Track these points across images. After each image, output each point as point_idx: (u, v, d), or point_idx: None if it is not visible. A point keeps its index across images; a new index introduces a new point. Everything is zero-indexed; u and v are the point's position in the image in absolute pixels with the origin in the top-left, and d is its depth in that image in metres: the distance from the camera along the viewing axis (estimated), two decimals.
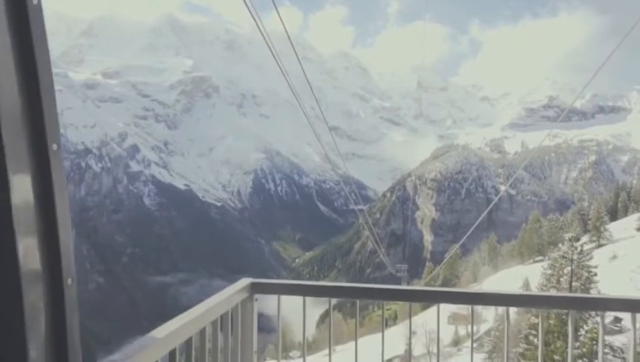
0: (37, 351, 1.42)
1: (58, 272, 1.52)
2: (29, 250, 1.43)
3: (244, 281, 2.97)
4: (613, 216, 67.44)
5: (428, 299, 3.26)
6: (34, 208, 1.46)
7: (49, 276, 1.50)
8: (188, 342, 2.22)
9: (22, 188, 1.40)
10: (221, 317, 2.58)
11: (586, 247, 26.05)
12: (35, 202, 1.46)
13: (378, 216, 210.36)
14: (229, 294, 2.74)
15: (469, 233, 15.67)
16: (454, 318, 41.02)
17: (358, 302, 3.21)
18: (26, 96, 1.41)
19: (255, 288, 3.00)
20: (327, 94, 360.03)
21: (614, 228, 58.23)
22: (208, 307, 2.45)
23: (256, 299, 3.02)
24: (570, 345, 2.80)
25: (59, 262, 1.52)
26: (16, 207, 1.38)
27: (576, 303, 3.33)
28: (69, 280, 1.55)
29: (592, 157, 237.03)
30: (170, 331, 2.08)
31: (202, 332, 2.34)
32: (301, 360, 4.04)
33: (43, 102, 1.46)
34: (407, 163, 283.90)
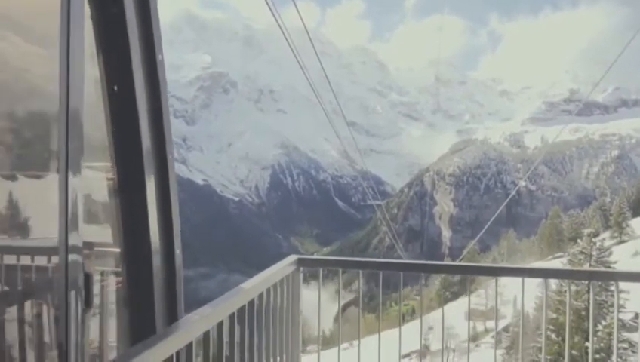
0: (159, 297, 2.22)
1: (171, 245, 2.32)
2: (154, 231, 2.23)
3: (292, 257, 3.60)
4: (636, 211, 66.20)
5: (459, 272, 4.32)
6: (157, 201, 2.25)
7: (166, 248, 2.29)
8: (251, 303, 2.68)
9: (150, 188, 2.23)
10: (275, 284, 3.12)
11: (607, 243, 25.73)
12: (157, 197, 2.26)
13: (396, 211, 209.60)
14: (281, 267, 3.31)
15: (485, 227, 15.65)
16: (472, 314, 40.83)
17: (402, 274, 3.90)
18: (154, 125, 2.24)
19: (301, 262, 3.66)
20: (344, 89, 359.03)
21: (637, 224, 57.18)
22: (265, 276, 2.99)
23: (302, 271, 3.67)
24: (591, 317, 3.38)
25: (172, 238, 2.32)
26: (148, 201, 2.17)
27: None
28: (178, 251, 2.34)
29: (615, 152, 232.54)
30: (238, 294, 2.57)
31: (261, 296, 2.86)
32: (324, 352, 4.21)
33: (164, 129, 2.28)
34: (425, 158, 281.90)
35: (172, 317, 2.30)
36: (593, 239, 20.55)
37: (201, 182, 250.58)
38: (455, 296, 52.15)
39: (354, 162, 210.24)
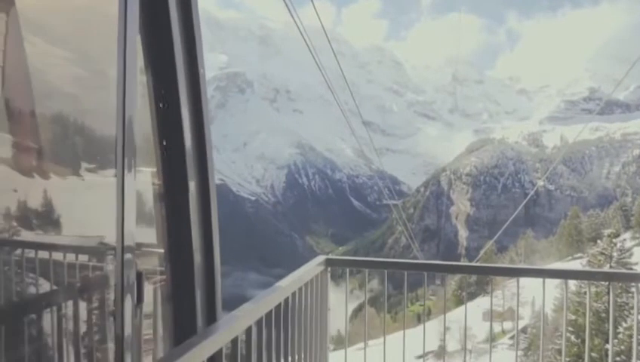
0: (200, 294, 2.43)
1: (210, 246, 2.54)
2: (196, 233, 2.45)
3: (320, 258, 3.80)
4: None
5: (482, 273, 4.89)
6: (198, 205, 2.48)
7: (206, 249, 2.51)
8: (286, 301, 2.89)
9: (192, 193, 2.44)
10: (306, 283, 3.33)
11: (628, 244, 25.28)
12: (198, 201, 2.49)
13: (412, 211, 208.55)
14: (310, 267, 3.53)
15: (503, 228, 15.48)
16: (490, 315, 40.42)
17: (426, 274, 4.22)
18: (196, 135, 2.50)
19: (329, 262, 3.87)
20: (360, 88, 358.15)
21: None
22: (298, 276, 3.21)
23: (329, 271, 3.88)
24: (611, 319, 3.37)
25: (211, 240, 2.53)
26: (190, 205, 2.43)
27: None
28: (217, 252, 2.58)
29: (637, 151, 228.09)
30: (274, 292, 2.77)
31: (294, 294, 3.07)
32: (338, 352, 4.25)
33: (205, 139, 2.54)
34: (442, 157, 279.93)
35: (211, 313, 2.49)
36: (614, 240, 20.21)
37: (217, 182, 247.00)
38: (471, 296, 51.74)
39: (370, 161, 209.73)
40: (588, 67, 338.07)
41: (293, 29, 6.21)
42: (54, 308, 1.79)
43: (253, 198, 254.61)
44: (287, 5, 5.57)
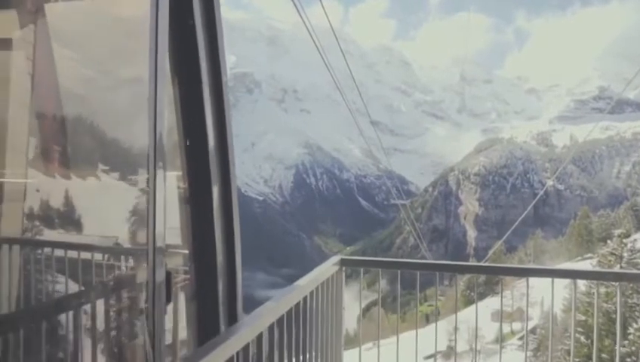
0: (222, 292, 2.57)
1: (232, 248, 2.67)
2: (219, 235, 2.58)
3: (336, 258, 3.93)
4: None
5: (492, 273, 5.13)
6: (219, 206, 2.62)
7: (228, 250, 2.66)
8: (305, 299, 3.00)
9: (215, 197, 2.58)
10: (322, 282, 3.43)
11: (639, 245, 25.02)
12: (221, 205, 2.62)
13: (420, 211, 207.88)
14: (326, 267, 3.62)
15: (512, 228, 15.42)
16: (499, 315, 40.21)
17: (438, 274, 4.43)
18: (219, 142, 2.62)
19: (344, 262, 3.99)
20: (368, 88, 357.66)
21: None
22: (315, 275, 3.32)
23: (344, 270, 3.98)
24: (619, 319, 3.40)
25: (233, 242, 2.66)
26: (214, 209, 2.56)
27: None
28: (238, 253, 2.71)
29: None
30: (292, 292, 2.86)
31: (312, 293, 3.18)
32: (347, 352, 4.29)
33: (228, 147, 2.65)
34: (450, 157, 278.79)
35: (232, 310, 2.63)
36: (624, 240, 20.03)
37: None
38: (480, 296, 51.51)
39: (378, 161, 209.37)
40: (597, 66, 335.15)
41: (301, 29, 6.23)
42: (88, 306, 1.90)
43: (261, 198, 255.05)
44: (295, 5, 5.59)
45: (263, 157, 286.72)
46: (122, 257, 2.14)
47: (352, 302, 4.02)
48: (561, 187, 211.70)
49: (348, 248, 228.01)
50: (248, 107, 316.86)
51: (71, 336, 1.81)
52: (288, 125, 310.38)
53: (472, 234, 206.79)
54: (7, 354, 1.58)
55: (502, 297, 4.50)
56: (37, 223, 1.69)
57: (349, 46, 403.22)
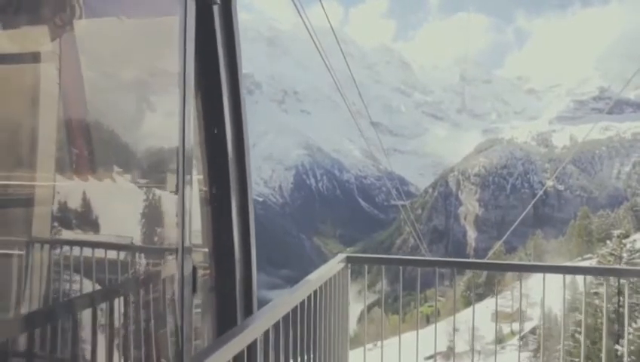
0: (239, 287, 2.80)
1: (248, 247, 2.90)
2: (237, 235, 2.81)
3: (341, 256, 4.06)
4: None
5: (489, 268, 5.08)
6: (237, 208, 2.84)
7: (244, 249, 2.88)
8: (315, 293, 3.12)
9: (234, 201, 2.83)
10: (330, 278, 3.54)
11: (638, 245, 25.02)
12: (238, 208, 2.86)
13: (420, 211, 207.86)
14: (332, 265, 3.71)
15: (512, 228, 15.44)
16: (498, 316, 40.26)
17: (437, 274, 4.56)
18: (237, 149, 2.93)
19: (349, 260, 4.12)
20: (367, 89, 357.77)
21: None
22: (322, 273, 3.42)
23: (349, 267, 4.10)
24: (605, 317, 3.42)
25: (249, 241, 2.90)
26: (233, 207, 2.81)
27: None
28: (253, 251, 2.93)
29: None
30: (303, 287, 3.00)
31: (320, 287, 3.29)
32: (353, 351, 4.34)
33: (245, 154, 2.98)
34: (450, 158, 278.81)
35: (248, 301, 2.85)
36: (623, 241, 20.06)
37: None
38: (480, 297, 51.54)
39: (378, 162, 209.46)
40: (598, 66, 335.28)
41: (301, 30, 6.26)
42: (126, 298, 2.08)
43: (260, 199, 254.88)
44: (296, 6, 5.61)
45: (262, 158, 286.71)
46: (152, 255, 2.28)
47: (352, 304, 4.06)
48: (561, 187, 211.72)
49: (348, 249, 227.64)
50: (249, 108, 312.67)
51: (108, 325, 1.94)
52: (288, 126, 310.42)
53: (472, 234, 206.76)
54: (56, 339, 1.73)
55: (497, 298, 4.51)
56: (65, 224, 1.78)
57: (349, 47, 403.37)
